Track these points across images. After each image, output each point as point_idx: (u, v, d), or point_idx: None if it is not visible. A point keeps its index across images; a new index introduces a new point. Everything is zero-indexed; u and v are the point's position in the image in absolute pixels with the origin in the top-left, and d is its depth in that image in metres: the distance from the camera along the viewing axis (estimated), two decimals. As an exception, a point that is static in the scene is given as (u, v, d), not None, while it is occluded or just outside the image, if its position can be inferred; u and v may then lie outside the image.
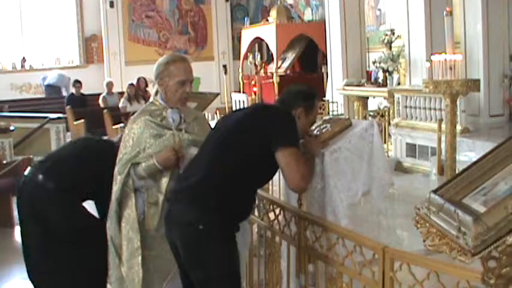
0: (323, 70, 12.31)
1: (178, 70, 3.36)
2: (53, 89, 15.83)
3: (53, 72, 16.14)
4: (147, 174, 3.32)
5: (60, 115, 11.24)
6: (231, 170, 2.88)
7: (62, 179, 3.75)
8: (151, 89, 3.89)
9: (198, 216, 2.80)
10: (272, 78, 13.18)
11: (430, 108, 8.21)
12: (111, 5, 16.18)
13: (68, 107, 12.41)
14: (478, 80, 6.07)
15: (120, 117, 11.14)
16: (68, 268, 3.72)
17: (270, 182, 4.31)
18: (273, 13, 13.93)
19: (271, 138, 2.84)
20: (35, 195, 3.75)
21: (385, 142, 8.44)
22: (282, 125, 2.89)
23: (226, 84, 14.90)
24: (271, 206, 3.52)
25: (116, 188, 3.39)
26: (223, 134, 2.99)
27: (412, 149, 8.54)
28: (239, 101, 12.30)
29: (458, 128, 7.25)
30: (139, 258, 3.35)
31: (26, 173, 3.91)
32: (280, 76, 13.26)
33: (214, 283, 2.82)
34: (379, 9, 10.80)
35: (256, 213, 3.63)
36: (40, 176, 3.76)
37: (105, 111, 11.59)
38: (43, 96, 15.91)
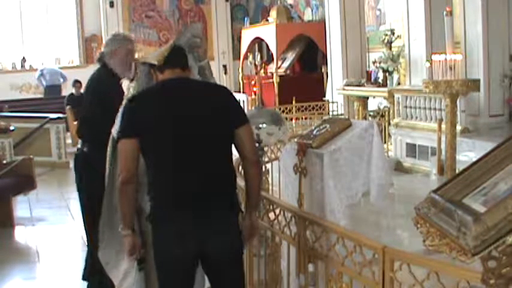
0: (323, 70, 12.30)
1: None
2: (52, 89, 15.81)
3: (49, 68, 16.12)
4: None
5: (60, 115, 11.26)
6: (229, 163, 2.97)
7: None
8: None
9: (234, 220, 2.90)
10: (272, 78, 13.17)
11: (430, 108, 8.20)
12: (111, 5, 16.16)
13: (68, 107, 12.41)
14: (478, 80, 6.08)
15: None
16: None
17: (270, 182, 4.31)
18: (273, 13, 13.92)
19: (235, 117, 3.00)
20: None
21: (385, 142, 8.44)
22: (237, 104, 3.12)
23: (226, 84, 14.86)
24: (271, 206, 3.52)
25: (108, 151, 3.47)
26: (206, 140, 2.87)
27: (412, 149, 8.54)
28: (239, 101, 12.27)
29: (458, 128, 7.24)
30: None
31: None
32: (280, 76, 13.26)
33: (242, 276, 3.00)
34: (379, 9, 10.80)
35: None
36: None
37: (105, 111, 11.55)
38: (43, 96, 15.90)
